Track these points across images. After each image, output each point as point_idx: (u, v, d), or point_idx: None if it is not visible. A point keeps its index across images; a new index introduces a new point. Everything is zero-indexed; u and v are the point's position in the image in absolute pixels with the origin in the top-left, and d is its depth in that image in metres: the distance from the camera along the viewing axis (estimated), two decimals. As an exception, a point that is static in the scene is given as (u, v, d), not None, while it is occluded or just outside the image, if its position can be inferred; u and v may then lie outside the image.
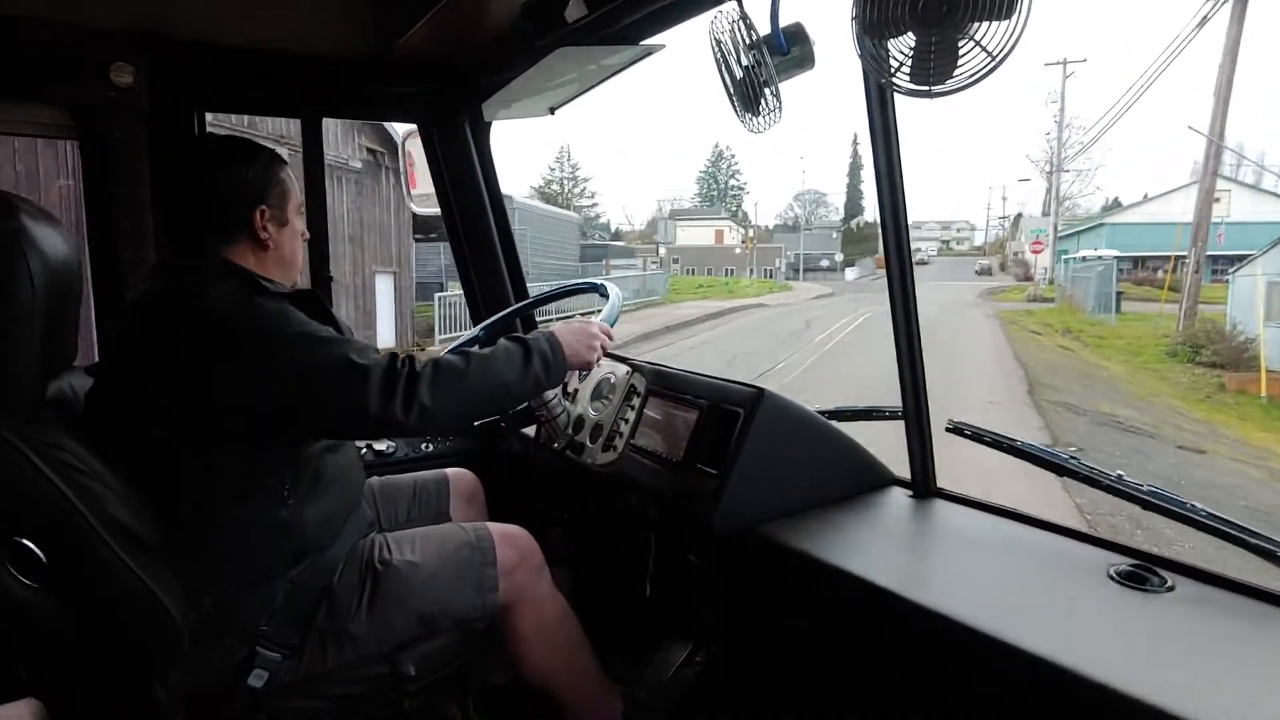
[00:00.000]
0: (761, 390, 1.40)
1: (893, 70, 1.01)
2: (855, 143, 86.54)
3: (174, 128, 1.70)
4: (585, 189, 69.59)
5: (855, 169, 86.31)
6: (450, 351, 1.25)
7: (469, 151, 2.08)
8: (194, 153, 1.34)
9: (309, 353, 1.14)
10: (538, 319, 2.16)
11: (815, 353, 12.84)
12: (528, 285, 2.24)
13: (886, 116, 1.25)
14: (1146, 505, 1.09)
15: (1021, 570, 1.13)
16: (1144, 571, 1.05)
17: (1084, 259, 26.04)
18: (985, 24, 0.92)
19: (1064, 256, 29.87)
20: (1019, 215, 57.67)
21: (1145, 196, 41.55)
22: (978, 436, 1.33)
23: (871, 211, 78.21)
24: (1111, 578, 1.05)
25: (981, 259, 66.81)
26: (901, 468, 1.43)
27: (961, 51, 0.95)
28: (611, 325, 1.51)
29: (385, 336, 13.11)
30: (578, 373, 1.88)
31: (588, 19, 1.36)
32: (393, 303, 13.70)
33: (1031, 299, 27.01)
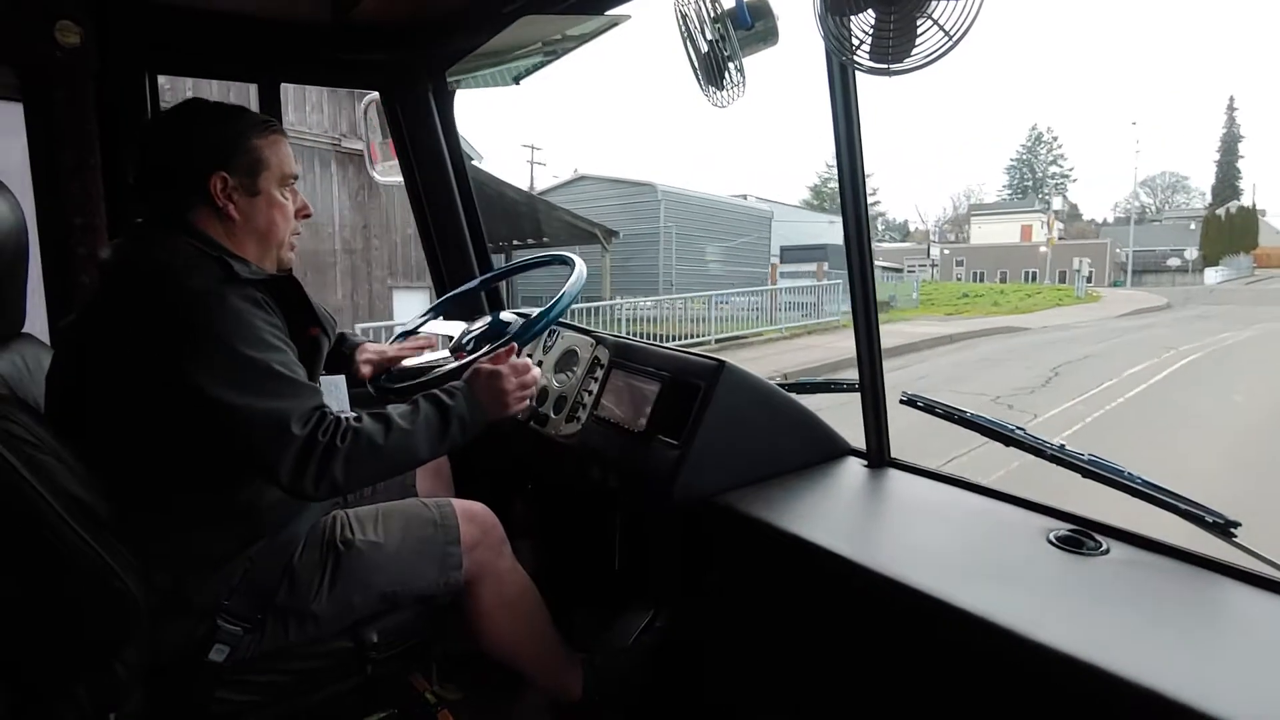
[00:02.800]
0: (722, 363, 1.42)
1: (854, 49, 1.03)
2: (1231, 108, 62.70)
3: (124, 90, 1.65)
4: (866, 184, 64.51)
5: (1231, 141, 61.15)
6: (371, 415, 1.20)
7: (432, 121, 2.04)
8: (164, 115, 1.28)
9: (250, 390, 1.09)
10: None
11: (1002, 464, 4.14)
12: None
13: (848, 95, 1.27)
14: (1087, 474, 1.14)
15: (968, 536, 1.18)
16: (1081, 536, 1.10)
17: None
18: (942, 3, 0.94)
19: None
20: None
21: None
22: (929, 408, 1.38)
23: (1249, 195, 60.62)
24: (1050, 542, 1.10)
25: None
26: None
27: (919, 30, 0.97)
28: (567, 306, 1.51)
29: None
30: (541, 343, 1.89)
31: (552, -13, 1.35)
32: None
33: None
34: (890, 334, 12.18)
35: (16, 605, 0.99)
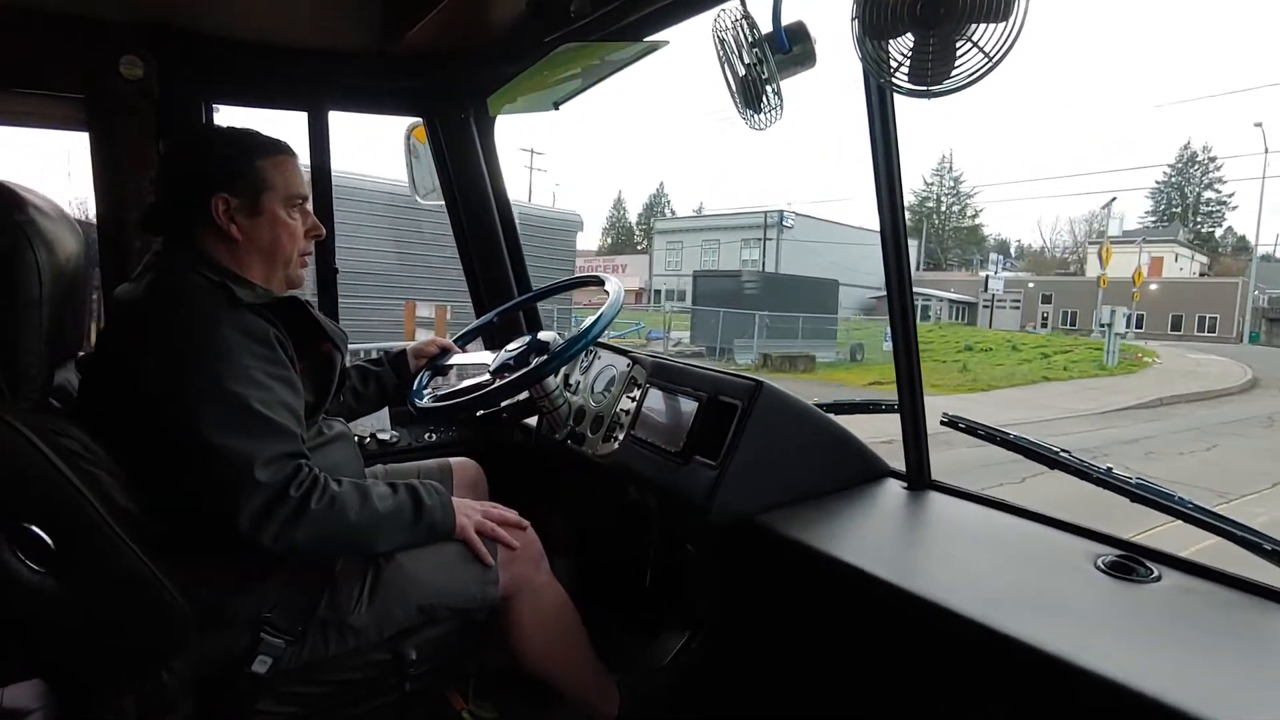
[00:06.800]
0: (759, 383, 1.42)
1: (892, 71, 1.04)
2: None
3: (183, 120, 1.73)
4: (969, 206, 59.42)
5: None
6: (353, 484, 1.22)
7: (473, 145, 2.10)
8: (175, 143, 1.35)
9: (220, 425, 1.10)
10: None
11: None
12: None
13: (886, 117, 1.28)
14: (1135, 498, 1.11)
15: (1012, 560, 1.16)
16: (1130, 562, 1.07)
17: None
18: (982, 26, 0.94)
19: None
20: None
21: None
22: (971, 430, 1.36)
23: None
24: (1099, 568, 1.07)
25: None
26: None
27: (959, 52, 0.97)
28: (605, 327, 1.53)
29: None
30: (578, 364, 1.91)
31: (592, 17, 1.38)
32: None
33: None
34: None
35: (71, 616, 1.02)
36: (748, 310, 17.31)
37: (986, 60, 0.96)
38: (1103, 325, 19.55)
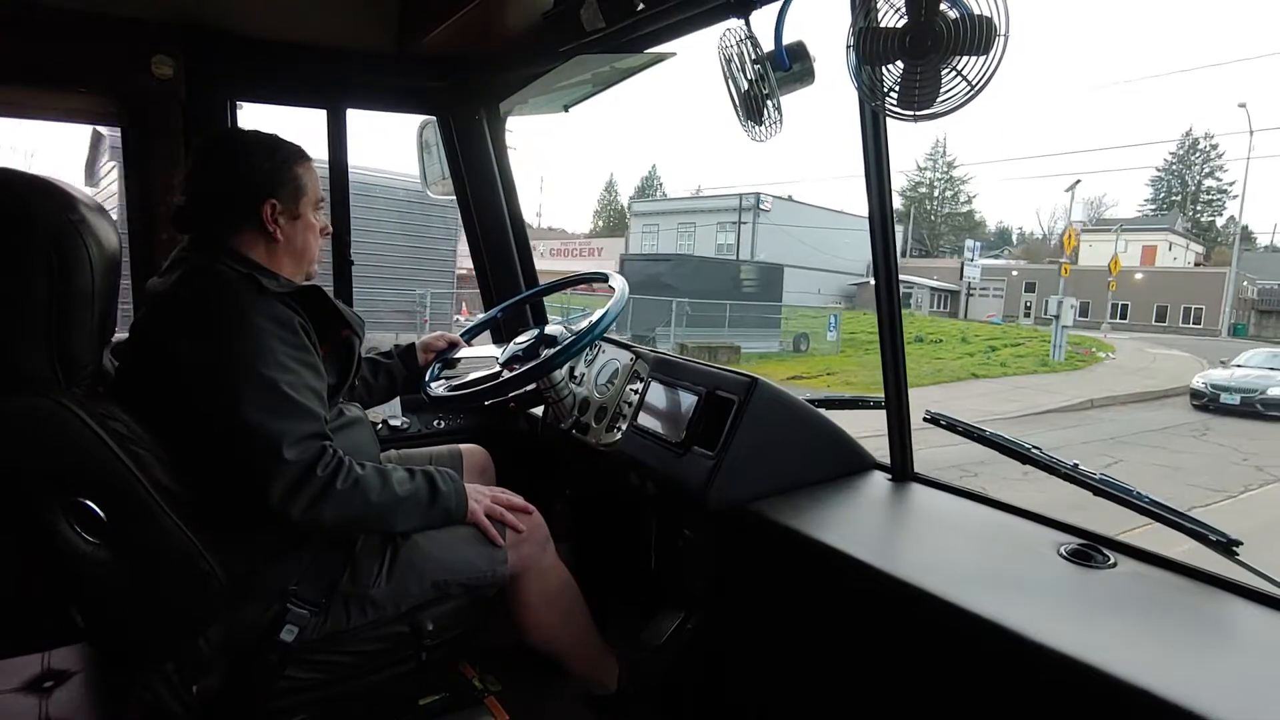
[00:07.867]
0: (755, 379, 1.51)
1: (884, 94, 1.12)
2: None
3: (209, 117, 1.80)
4: (960, 193, 58.27)
5: None
6: (375, 468, 1.31)
7: (485, 144, 2.18)
8: (211, 145, 1.40)
9: (257, 408, 1.19)
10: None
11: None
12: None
13: (879, 136, 1.36)
14: (1097, 492, 1.21)
15: (984, 547, 1.25)
16: (1090, 550, 1.17)
17: None
18: (966, 58, 1.03)
19: None
20: None
21: None
22: (951, 426, 1.45)
23: None
24: (1061, 555, 1.17)
25: None
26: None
27: (944, 81, 1.06)
28: (612, 322, 1.62)
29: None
30: (583, 357, 1.99)
31: (604, 31, 1.46)
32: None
33: None
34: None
35: (119, 585, 1.11)
36: (678, 297, 16.07)
37: (970, 88, 1.05)
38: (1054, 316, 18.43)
